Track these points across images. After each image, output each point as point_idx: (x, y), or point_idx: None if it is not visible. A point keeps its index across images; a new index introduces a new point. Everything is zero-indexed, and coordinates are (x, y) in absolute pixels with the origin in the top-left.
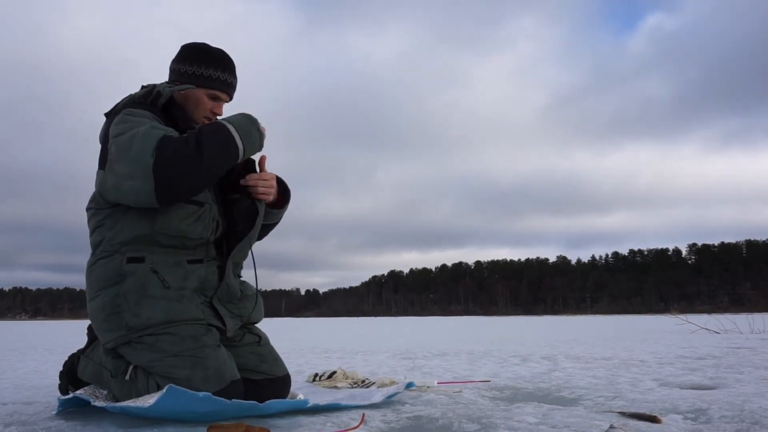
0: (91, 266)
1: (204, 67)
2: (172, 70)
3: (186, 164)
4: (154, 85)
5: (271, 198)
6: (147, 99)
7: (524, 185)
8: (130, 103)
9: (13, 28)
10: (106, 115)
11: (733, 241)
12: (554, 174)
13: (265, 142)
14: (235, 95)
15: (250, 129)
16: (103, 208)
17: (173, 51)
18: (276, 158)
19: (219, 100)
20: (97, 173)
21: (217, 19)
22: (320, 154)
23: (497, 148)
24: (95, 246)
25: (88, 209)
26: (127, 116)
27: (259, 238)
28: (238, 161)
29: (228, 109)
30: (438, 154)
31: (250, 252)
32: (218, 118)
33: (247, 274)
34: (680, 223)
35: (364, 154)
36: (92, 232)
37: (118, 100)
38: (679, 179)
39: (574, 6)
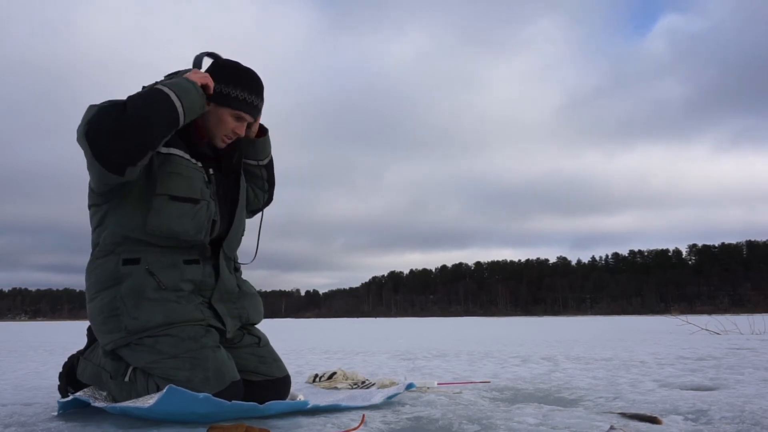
0: (90, 267)
1: (232, 86)
2: None
3: (113, 121)
4: (155, 83)
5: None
6: None
7: (534, 186)
8: None
9: (20, 28)
10: None
11: (735, 241)
12: (564, 175)
13: (281, 141)
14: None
15: (182, 83)
16: (99, 204)
17: (190, 53)
18: (291, 158)
19: (242, 121)
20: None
21: (237, 21)
22: (333, 154)
23: (509, 150)
24: (93, 246)
25: (89, 207)
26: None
27: (266, 187)
28: (179, 113)
29: None
30: (449, 155)
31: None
32: None
33: (247, 274)
34: (689, 225)
35: (376, 155)
36: (92, 231)
37: None
38: (688, 180)
39: (593, 8)
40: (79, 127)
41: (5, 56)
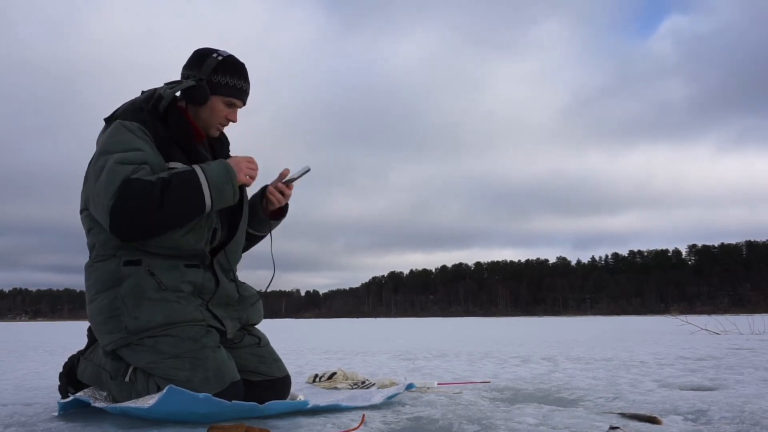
0: (89, 269)
1: (221, 74)
2: (185, 77)
3: (143, 214)
4: (155, 89)
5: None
6: (148, 104)
7: (537, 186)
8: (131, 108)
9: (21, 28)
10: (106, 120)
11: (735, 242)
12: (567, 175)
13: (286, 142)
14: (260, 99)
15: (225, 186)
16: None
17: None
18: (294, 158)
19: (234, 107)
20: (84, 180)
21: (244, 23)
22: (336, 155)
23: (512, 150)
24: (91, 248)
25: (81, 212)
26: (115, 131)
27: (246, 248)
28: (205, 213)
29: (242, 113)
30: (452, 155)
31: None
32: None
33: (246, 276)
34: (689, 225)
35: (379, 155)
36: (87, 233)
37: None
38: (690, 181)
39: (599, 8)
40: (102, 196)
41: (7, 56)
